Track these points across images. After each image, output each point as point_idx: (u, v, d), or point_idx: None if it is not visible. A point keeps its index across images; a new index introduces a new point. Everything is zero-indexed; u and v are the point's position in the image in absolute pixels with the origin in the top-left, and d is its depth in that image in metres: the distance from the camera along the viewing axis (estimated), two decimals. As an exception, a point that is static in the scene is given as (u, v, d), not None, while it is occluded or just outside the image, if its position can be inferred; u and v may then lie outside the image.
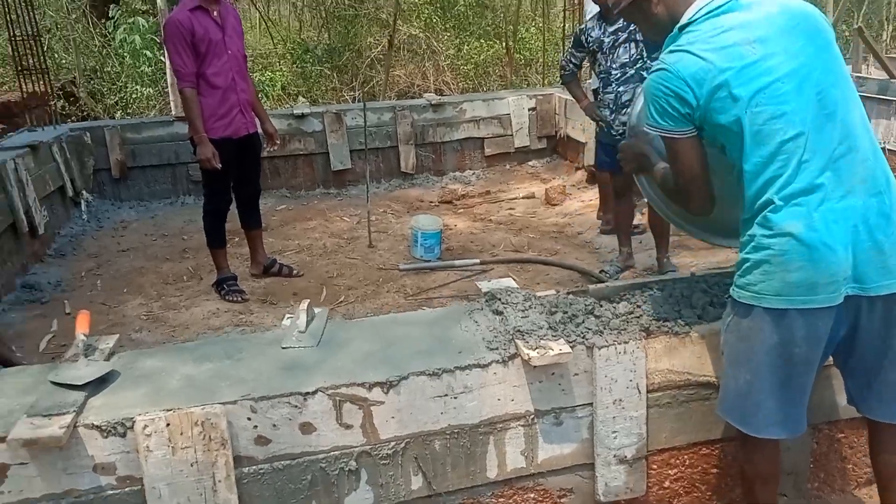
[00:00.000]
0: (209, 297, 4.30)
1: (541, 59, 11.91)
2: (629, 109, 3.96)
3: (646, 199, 5.23)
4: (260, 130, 4.35)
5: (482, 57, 11.51)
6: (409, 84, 11.86)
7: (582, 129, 6.39)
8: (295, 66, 11.35)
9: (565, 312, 2.13)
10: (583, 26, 4.21)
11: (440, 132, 6.82)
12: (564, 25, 7.57)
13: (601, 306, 2.20)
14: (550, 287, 4.31)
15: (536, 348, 1.95)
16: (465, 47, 11.90)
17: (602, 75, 4.14)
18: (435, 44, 12.15)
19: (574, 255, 4.83)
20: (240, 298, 4.22)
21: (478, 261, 4.68)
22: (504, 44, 11.03)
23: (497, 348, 2.01)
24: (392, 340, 2.10)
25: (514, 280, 4.39)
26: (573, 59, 4.36)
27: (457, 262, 4.66)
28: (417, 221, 4.94)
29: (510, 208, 6.01)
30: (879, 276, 1.72)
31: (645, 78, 3.95)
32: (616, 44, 4.00)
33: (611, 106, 4.12)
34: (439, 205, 6.21)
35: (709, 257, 4.52)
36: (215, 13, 3.96)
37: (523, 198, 6.20)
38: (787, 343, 1.76)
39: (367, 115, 6.51)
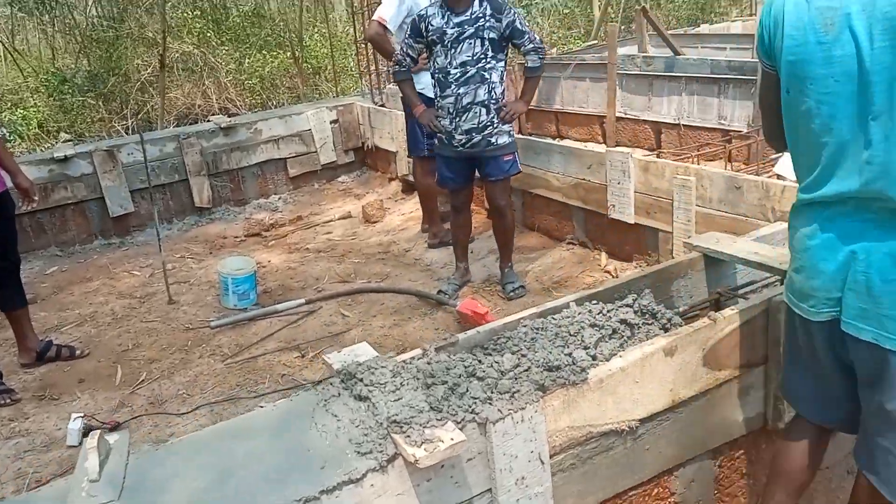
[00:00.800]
0: (-33, 407, 3.38)
1: (329, 67, 11.46)
2: (470, 115, 3.62)
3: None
4: (10, 185, 3.50)
5: (267, 69, 10.84)
6: (188, 105, 10.87)
7: (391, 138, 6.05)
8: (52, 98, 9.94)
9: (444, 382, 1.72)
10: (422, 12, 3.67)
11: (235, 157, 6.14)
12: (355, 29, 7.16)
13: (481, 363, 1.82)
14: (387, 318, 3.92)
15: (422, 443, 1.52)
16: (247, 60, 11.15)
17: (439, 74, 3.65)
18: (213, 59, 11.26)
19: (407, 277, 4.46)
20: (8, 400, 3.35)
21: (303, 301, 4.14)
22: (290, 53, 10.42)
23: (370, 451, 1.55)
24: (229, 467, 1.56)
25: (347, 315, 4.03)
26: (410, 52, 3.74)
27: (279, 307, 4.09)
28: (225, 265, 4.30)
29: (327, 232, 5.51)
30: (856, 317, 1.50)
31: (486, 79, 3.56)
32: (461, 37, 3.54)
33: (450, 111, 3.64)
34: (246, 239, 5.56)
35: (543, 259, 4.37)
36: None
37: (339, 219, 5.73)
38: (793, 336, 1.74)
39: (147, 147, 5.67)
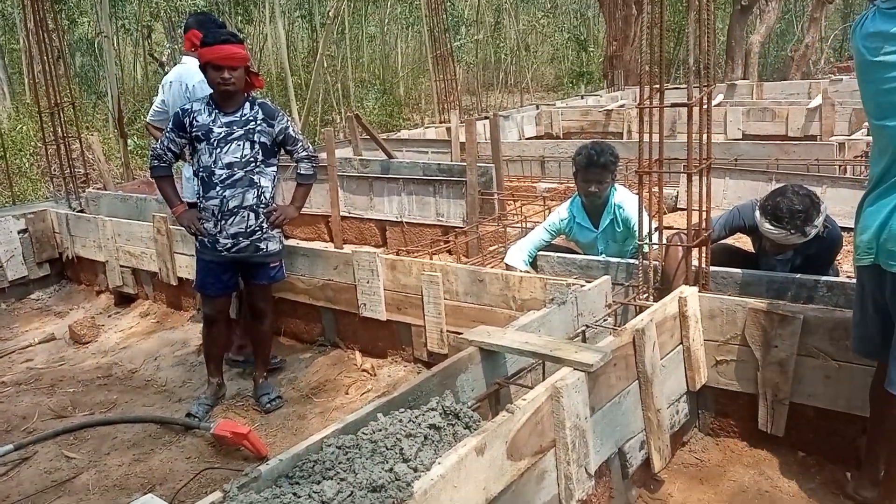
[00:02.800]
0: None
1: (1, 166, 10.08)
2: (237, 219, 3.43)
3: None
4: None
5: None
6: None
7: (98, 247, 5.45)
8: None
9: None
10: (188, 106, 3.44)
11: None
12: (43, 130, 6.39)
13: (299, 496, 1.69)
14: (125, 454, 3.45)
15: None
16: None
17: (203, 173, 3.41)
18: None
19: (140, 402, 3.97)
20: None
21: (10, 447, 3.45)
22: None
23: None
24: None
25: (73, 456, 3.45)
26: (172, 146, 3.47)
27: (-21, 458, 3.37)
28: None
29: (27, 360, 4.70)
30: (888, 257, 2.21)
31: (255, 183, 3.45)
32: (228, 137, 3.35)
33: (216, 214, 3.41)
34: (-88, 380, 4.50)
35: (295, 364, 4.22)
36: None
37: (41, 342, 4.93)
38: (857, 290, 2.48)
39: None
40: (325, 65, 13.55)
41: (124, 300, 5.45)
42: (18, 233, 5.69)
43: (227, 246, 3.49)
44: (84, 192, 6.27)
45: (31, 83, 11.16)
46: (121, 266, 5.32)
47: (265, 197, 3.52)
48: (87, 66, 15.51)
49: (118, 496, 3.08)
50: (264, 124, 3.47)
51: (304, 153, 3.63)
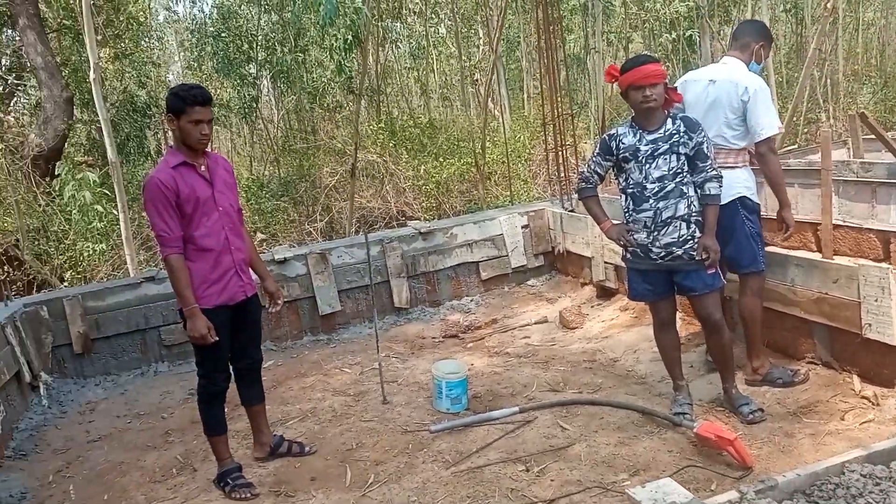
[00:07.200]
0: (210, 496, 3.52)
1: (498, 172, 11.79)
2: (670, 229, 3.52)
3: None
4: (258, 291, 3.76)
5: (444, 175, 11.36)
6: (369, 209, 11.57)
7: (585, 244, 5.99)
8: (250, 202, 10.95)
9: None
10: (613, 131, 3.72)
11: (432, 261, 6.32)
12: (546, 139, 7.30)
13: (823, 511, 1.62)
14: (611, 435, 3.71)
15: None
16: (424, 167, 11.77)
17: (633, 189, 3.60)
18: (393, 167, 12.00)
19: (622, 390, 4.25)
20: (249, 494, 3.45)
21: (517, 409, 4.04)
22: (471, 160, 10.86)
23: None
24: None
25: (567, 427, 3.86)
26: (598, 170, 3.76)
27: (494, 414, 4.01)
28: (439, 368, 4.32)
29: (525, 336, 5.45)
30: None
31: (685, 193, 3.50)
32: (655, 154, 3.52)
33: (648, 226, 3.55)
34: (444, 340, 5.61)
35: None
36: (202, 167, 3.43)
37: (536, 323, 5.66)
38: None
39: (355, 250, 6.05)
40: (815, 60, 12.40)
41: (605, 293, 5.88)
42: (521, 228, 6.61)
43: (661, 254, 3.54)
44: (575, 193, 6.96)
45: (533, 98, 12.73)
46: (605, 262, 5.75)
47: (694, 206, 3.52)
48: (571, 80, 17.10)
49: (605, 472, 3.35)
50: (685, 136, 3.48)
51: (714, 172, 3.50)
